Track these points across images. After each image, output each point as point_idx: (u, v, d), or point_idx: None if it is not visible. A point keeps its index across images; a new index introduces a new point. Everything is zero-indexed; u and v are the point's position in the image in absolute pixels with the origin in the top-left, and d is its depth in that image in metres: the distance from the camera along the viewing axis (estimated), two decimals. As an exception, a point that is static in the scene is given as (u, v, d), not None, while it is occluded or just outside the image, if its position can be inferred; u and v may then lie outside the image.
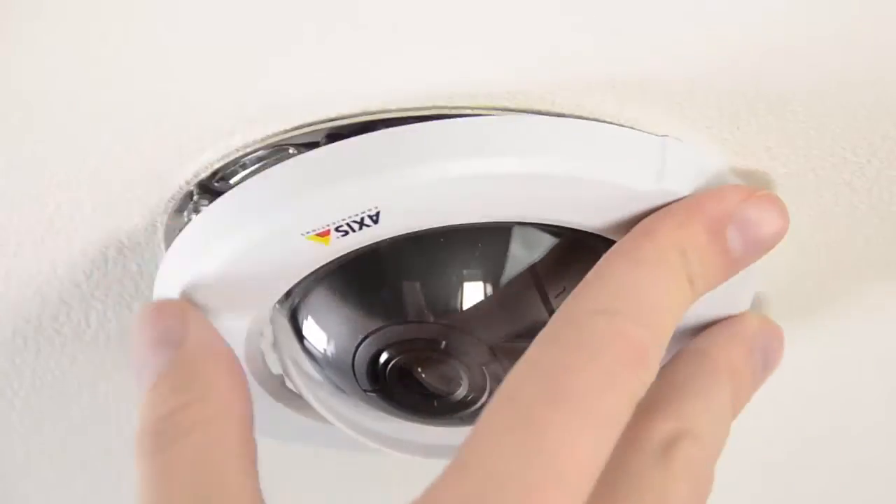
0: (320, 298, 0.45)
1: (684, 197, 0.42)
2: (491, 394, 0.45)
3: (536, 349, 0.39)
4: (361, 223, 0.41)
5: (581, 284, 0.41)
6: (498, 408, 0.38)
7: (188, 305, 0.43)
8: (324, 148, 0.41)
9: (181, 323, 0.43)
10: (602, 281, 0.41)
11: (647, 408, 0.42)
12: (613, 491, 0.41)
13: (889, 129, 0.42)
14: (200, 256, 0.43)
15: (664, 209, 0.42)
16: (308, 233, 0.41)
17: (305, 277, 0.44)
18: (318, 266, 0.43)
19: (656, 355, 0.40)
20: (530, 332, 0.44)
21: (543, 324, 0.42)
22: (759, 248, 0.43)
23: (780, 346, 0.47)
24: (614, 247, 0.42)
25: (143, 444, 0.41)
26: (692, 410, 0.43)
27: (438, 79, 0.40)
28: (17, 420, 0.56)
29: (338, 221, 0.41)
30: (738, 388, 0.45)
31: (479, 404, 0.46)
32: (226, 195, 0.43)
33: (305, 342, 0.47)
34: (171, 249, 0.44)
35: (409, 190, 0.40)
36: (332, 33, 0.38)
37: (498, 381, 0.44)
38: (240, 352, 0.46)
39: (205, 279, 0.43)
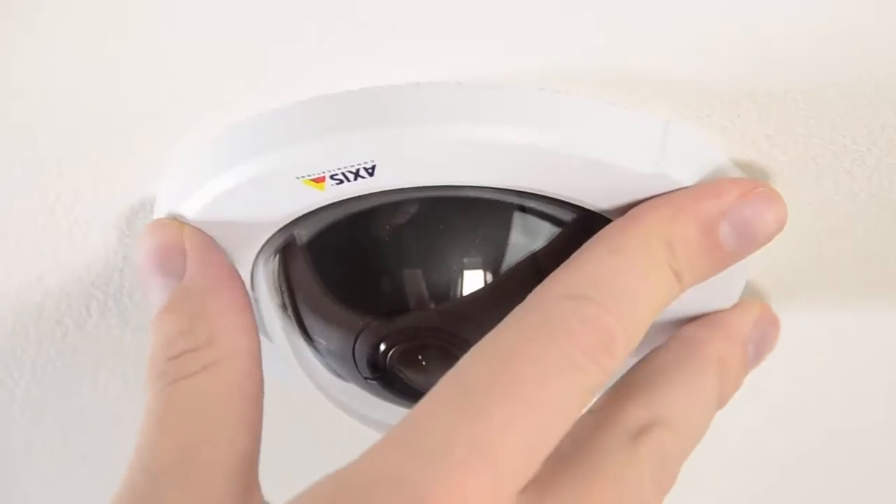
0: (322, 285, 0.45)
1: (682, 186, 0.42)
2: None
3: (498, 331, 0.39)
4: (357, 174, 0.41)
5: (557, 269, 0.41)
6: (443, 385, 0.38)
7: (189, 230, 0.44)
8: (331, 95, 0.41)
9: (180, 251, 0.43)
10: (578, 266, 0.40)
11: (628, 390, 0.42)
12: (575, 465, 0.40)
13: (889, 118, 0.42)
14: (197, 187, 0.43)
15: (656, 199, 0.42)
16: (303, 176, 0.41)
17: (306, 268, 0.44)
18: (310, 210, 0.43)
19: (625, 345, 0.39)
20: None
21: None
22: (753, 244, 0.42)
23: (776, 336, 0.47)
24: (598, 233, 0.41)
25: (152, 379, 0.42)
26: (672, 399, 0.43)
27: (437, 78, 0.40)
28: (17, 411, 0.56)
29: (333, 170, 0.41)
30: (725, 380, 0.44)
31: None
32: (230, 128, 0.43)
33: (306, 330, 0.47)
34: (170, 175, 0.44)
35: (406, 149, 0.40)
36: (332, 33, 0.38)
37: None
38: None
39: (198, 210, 0.43)
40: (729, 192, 0.42)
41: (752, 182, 0.42)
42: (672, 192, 0.42)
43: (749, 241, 0.42)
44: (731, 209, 0.41)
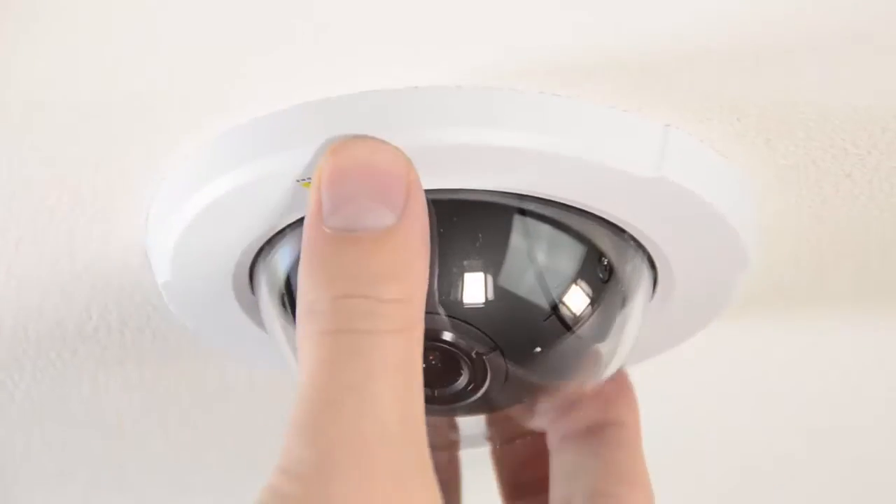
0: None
1: (682, 189, 0.42)
2: (491, 383, 0.45)
3: None
4: None
5: None
6: None
7: (414, 173, 0.40)
8: (331, 98, 0.41)
9: (404, 190, 0.40)
10: None
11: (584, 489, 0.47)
12: None
13: (889, 121, 0.42)
14: (197, 189, 0.43)
15: None
16: (304, 179, 0.41)
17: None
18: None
19: None
20: (530, 322, 0.44)
21: (543, 313, 0.42)
22: None
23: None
24: None
25: (353, 308, 0.39)
26: (623, 490, 0.47)
27: (437, 81, 0.40)
28: (17, 412, 0.56)
29: None
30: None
31: (478, 394, 0.46)
32: (231, 131, 0.42)
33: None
34: (170, 177, 0.44)
35: (406, 152, 0.40)
36: (330, 34, 0.38)
37: (497, 370, 0.45)
38: (227, 289, 0.47)
39: (200, 210, 0.43)
40: None
41: None
42: None
43: None
44: None
